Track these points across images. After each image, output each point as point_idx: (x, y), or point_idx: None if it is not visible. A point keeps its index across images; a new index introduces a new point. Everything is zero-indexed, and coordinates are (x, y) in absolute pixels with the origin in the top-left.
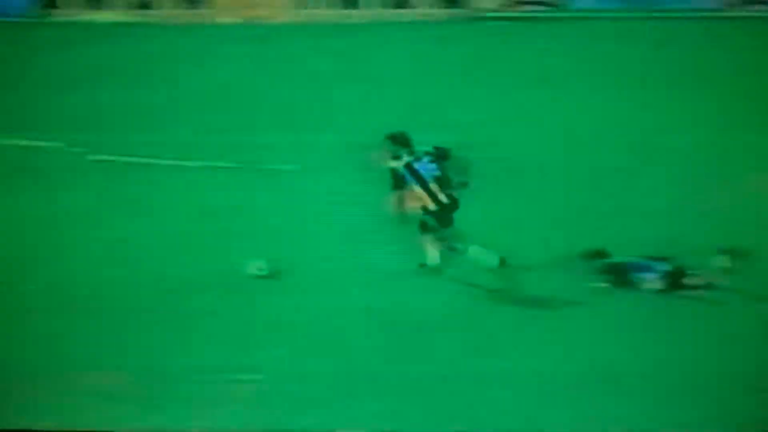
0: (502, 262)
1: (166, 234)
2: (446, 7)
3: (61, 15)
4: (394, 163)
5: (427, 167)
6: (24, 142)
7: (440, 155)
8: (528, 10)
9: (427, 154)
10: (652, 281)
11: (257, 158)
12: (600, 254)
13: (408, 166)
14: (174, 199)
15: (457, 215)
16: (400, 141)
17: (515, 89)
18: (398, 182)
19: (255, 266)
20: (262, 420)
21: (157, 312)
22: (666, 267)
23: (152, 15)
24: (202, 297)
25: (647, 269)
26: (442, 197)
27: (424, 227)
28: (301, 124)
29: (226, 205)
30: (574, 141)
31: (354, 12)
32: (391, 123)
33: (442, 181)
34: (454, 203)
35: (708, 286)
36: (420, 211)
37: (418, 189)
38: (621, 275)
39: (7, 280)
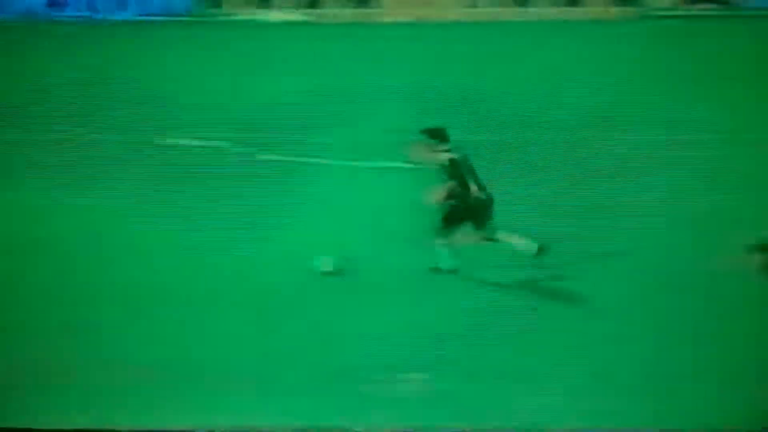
0: (541, 250)
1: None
2: (618, 6)
3: (226, 14)
4: (449, 155)
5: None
6: (191, 142)
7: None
8: (700, 8)
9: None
10: None
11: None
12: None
13: (465, 157)
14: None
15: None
16: (439, 136)
17: (685, 89)
18: (455, 172)
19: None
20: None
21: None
22: None
23: (319, 14)
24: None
25: None
26: (482, 193)
27: (452, 222)
28: (461, 124)
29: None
30: (741, 141)
31: (525, 11)
32: (554, 122)
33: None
34: (490, 199)
35: None
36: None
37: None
38: None
39: (176, 277)
